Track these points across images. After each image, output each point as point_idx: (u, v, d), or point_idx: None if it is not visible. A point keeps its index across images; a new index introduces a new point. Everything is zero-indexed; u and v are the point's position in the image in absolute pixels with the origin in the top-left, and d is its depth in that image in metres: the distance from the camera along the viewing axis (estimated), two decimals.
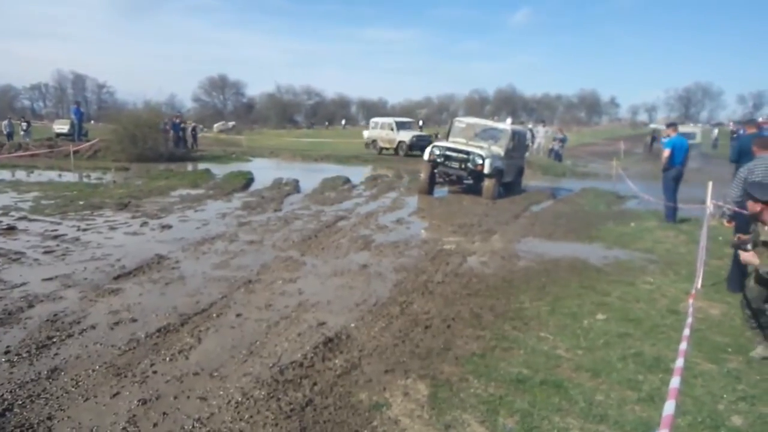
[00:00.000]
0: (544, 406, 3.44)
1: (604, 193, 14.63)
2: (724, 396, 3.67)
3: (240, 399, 3.38)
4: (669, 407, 2.32)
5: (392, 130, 27.58)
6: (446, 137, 14.67)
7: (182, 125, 26.83)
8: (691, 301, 4.67)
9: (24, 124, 27.87)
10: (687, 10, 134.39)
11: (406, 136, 26.65)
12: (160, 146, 22.17)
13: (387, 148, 27.62)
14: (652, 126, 42.04)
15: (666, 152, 10.07)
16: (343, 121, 77.60)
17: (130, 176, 16.35)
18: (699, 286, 6.10)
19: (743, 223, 5.25)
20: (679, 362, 2.99)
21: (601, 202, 13.31)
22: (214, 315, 4.92)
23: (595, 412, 3.39)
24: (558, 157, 23.55)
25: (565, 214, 11.30)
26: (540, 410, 3.38)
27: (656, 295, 5.88)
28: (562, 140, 24.27)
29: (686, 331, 3.52)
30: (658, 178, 12.06)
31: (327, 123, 76.83)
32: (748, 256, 4.18)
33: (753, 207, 4.05)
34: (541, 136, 26.82)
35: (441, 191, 14.31)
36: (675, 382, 2.68)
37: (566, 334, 4.70)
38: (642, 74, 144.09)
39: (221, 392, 3.50)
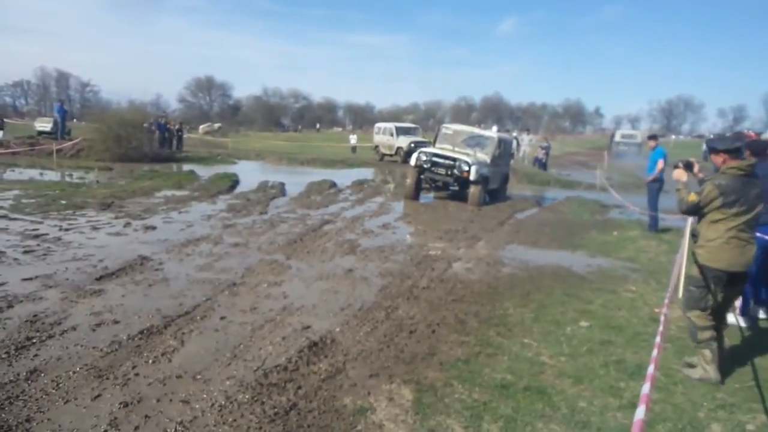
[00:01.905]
0: (528, 412, 3.46)
1: (588, 202, 14.79)
2: (704, 404, 3.73)
3: (223, 402, 3.36)
4: (639, 412, 2.35)
5: (392, 135, 26.54)
6: (433, 143, 14.74)
7: (168, 126, 26.60)
8: (664, 310, 4.74)
9: None
10: (671, 24, 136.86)
11: (404, 142, 25.35)
12: (145, 146, 21.96)
13: (389, 155, 26.56)
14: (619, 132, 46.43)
15: (660, 164, 10.15)
16: (317, 125, 77.06)
17: (113, 176, 16.15)
18: (680, 295, 6.18)
19: None
20: (650, 369, 3.03)
21: (585, 210, 13.46)
22: (198, 317, 4.88)
23: (577, 418, 3.42)
24: (542, 165, 23.75)
25: (549, 222, 11.41)
26: (523, 416, 3.40)
27: (638, 303, 5.95)
28: (547, 149, 24.49)
29: (657, 339, 3.57)
30: (641, 186, 12.27)
31: (299, 127, 76.31)
32: (679, 172, 4.31)
33: (716, 159, 4.13)
34: (526, 144, 27.04)
35: (427, 197, 14.36)
36: (645, 388, 2.72)
37: (550, 340, 4.74)
38: (626, 85, 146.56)
39: (204, 395, 3.47)
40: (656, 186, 10.23)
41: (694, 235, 4.25)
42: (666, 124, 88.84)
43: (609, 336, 4.91)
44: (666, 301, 4.46)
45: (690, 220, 6.66)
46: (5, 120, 28.94)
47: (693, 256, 4.22)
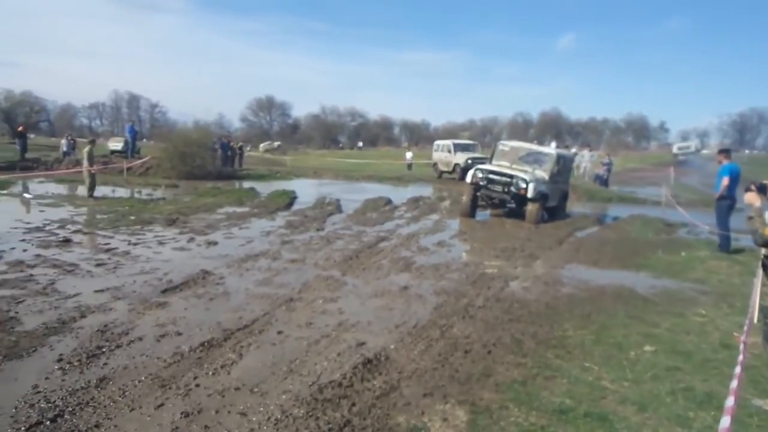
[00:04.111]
0: None
1: (653, 221, 14.20)
2: None
3: (279, 416, 3.41)
4: None
5: (450, 152, 25.93)
6: (489, 160, 14.61)
7: (230, 144, 27.62)
8: (743, 338, 4.46)
9: (71, 142, 27.40)
10: (740, 34, 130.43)
11: (461, 158, 24.52)
12: (209, 165, 22.87)
13: (447, 172, 25.85)
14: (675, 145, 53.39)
15: (725, 180, 9.69)
16: (360, 143, 78.36)
17: (178, 193, 16.89)
18: (755, 320, 5.82)
19: None
20: (730, 401, 2.85)
21: (650, 229, 12.92)
22: (256, 331, 4.99)
23: None
24: (604, 182, 23.06)
25: (611, 241, 11.02)
26: None
27: (708, 328, 5.64)
28: (608, 165, 23.78)
29: (738, 369, 3.37)
30: (709, 204, 11.68)
31: (340, 144, 77.90)
32: (751, 196, 4.01)
33: None
34: (587, 160, 26.32)
35: (483, 214, 14.20)
36: (725, 422, 2.55)
37: (612, 365, 4.55)
38: (693, 99, 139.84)
39: (261, 408, 3.53)
40: (725, 204, 9.71)
41: (766, 267, 3.97)
42: (738, 138, 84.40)
43: (676, 362, 4.67)
44: (746, 328, 4.20)
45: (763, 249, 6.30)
46: (76, 140, 30.66)
47: None
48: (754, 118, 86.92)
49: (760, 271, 5.92)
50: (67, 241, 8.51)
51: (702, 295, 7.04)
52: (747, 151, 59.71)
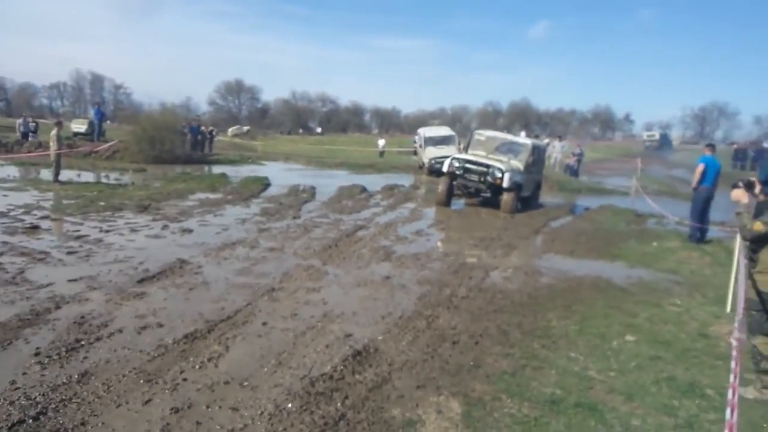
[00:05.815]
0: (581, 429, 3.38)
1: (623, 211, 14.48)
2: (765, 425, 3.59)
3: (273, 411, 3.35)
4: None
5: (420, 146, 22.51)
6: (465, 150, 14.64)
7: (201, 128, 27.01)
8: (736, 334, 4.55)
9: (32, 124, 26.50)
10: (707, 29, 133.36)
11: (427, 157, 20.85)
12: (177, 149, 22.29)
13: (421, 167, 22.23)
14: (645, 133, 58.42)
15: (700, 167, 9.93)
16: (319, 129, 78.21)
17: (147, 178, 16.42)
18: (728, 311, 5.99)
19: None
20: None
21: (621, 220, 13.18)
22: (240, 322, 4.89)
23: None
24: (574, 172, 23.41)
25: (585, 231, 11.21)
26: None
27: (685, 318, 5.79)
28: (579, 155, 24.14)
29: (732, 364, 3.43)
30: (676, 196, 11.96)
31: (300, 130, 77.67)
32: (739, 193, 4.13)
33: None
34: (558, 150, 26.64)
35: (458, 203, 14.25)
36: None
37: (596, 354, 4.63)
38: (658, 91, 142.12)
39: (252, 403, 3.46)
40: (702, 195, 9.94)
41: (752, 260, 4.08)
42: (699, 131, 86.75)
43: (657, 351, 4.78)
44: (736, 325, 4.29)
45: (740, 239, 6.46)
46: (38, 121, 29.44)
47: (752, 281, 4.07)
48: (714, 111, 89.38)
49: (740, 268, 6.06)
50: (34, 228, 8.19)
51: (675, 285, 7.22)
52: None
